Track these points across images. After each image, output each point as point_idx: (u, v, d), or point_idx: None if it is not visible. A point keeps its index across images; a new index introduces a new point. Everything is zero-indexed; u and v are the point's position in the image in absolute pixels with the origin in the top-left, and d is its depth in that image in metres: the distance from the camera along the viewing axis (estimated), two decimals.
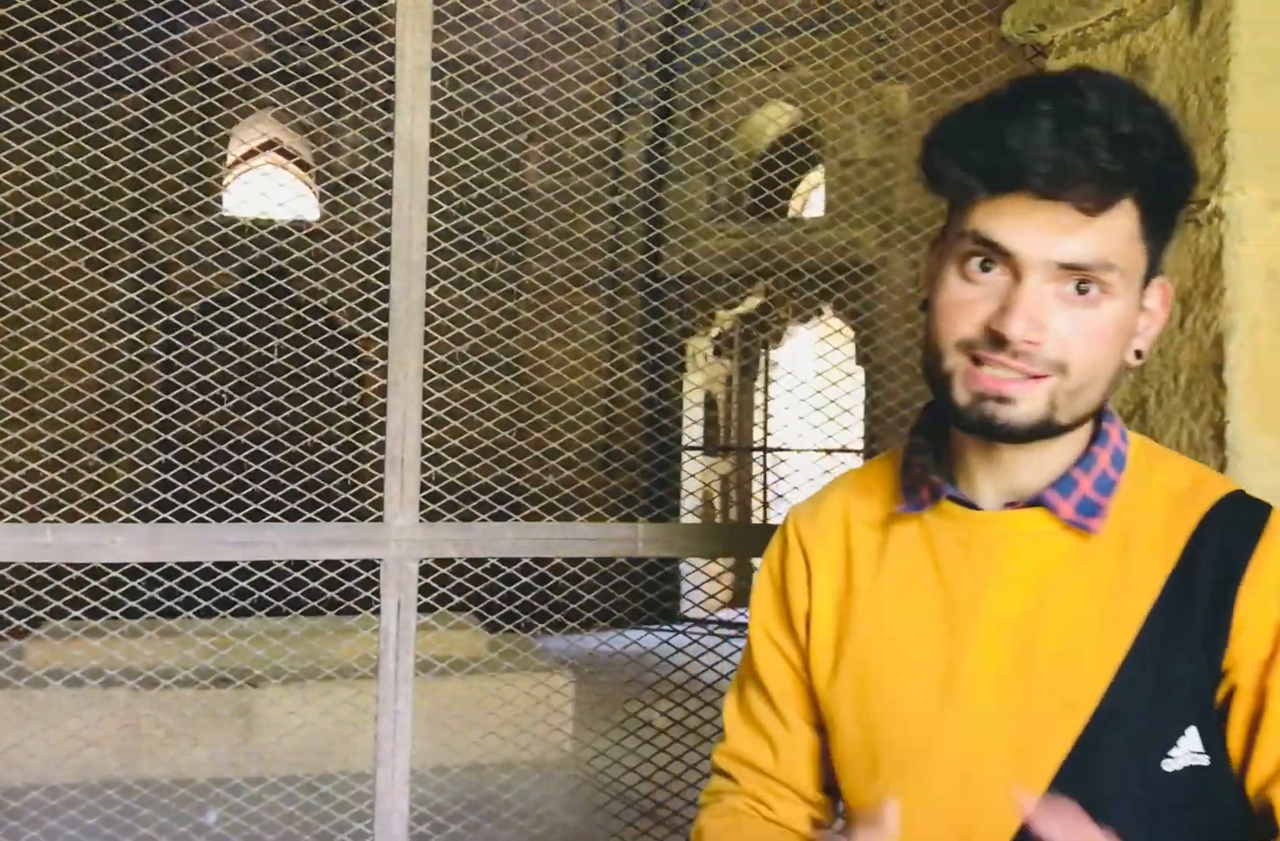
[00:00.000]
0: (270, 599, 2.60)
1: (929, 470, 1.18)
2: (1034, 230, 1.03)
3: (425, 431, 2.14)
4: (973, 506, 1.16)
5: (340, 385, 2.83)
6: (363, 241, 3.78)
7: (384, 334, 2.04)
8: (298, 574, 2.41)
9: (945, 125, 1.09)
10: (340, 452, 2.75)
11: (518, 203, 7.36)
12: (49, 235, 2.96)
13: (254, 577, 2.43)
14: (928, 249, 1.17)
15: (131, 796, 3.44)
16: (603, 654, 3.55)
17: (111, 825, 3.38)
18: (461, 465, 3.07)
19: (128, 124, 3.44)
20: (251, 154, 10.04)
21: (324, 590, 2.45)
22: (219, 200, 9.36)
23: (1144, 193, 1.05)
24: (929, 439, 1.21)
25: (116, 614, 2.65)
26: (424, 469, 2.08)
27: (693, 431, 10.31)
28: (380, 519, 2.08)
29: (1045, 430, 1.08)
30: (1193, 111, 1.57)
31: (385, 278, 2.05)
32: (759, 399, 10.61)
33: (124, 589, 2.63)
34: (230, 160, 9.70)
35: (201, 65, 5.83)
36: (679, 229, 8.89)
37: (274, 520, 2.28)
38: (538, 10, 3.67)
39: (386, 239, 2.04)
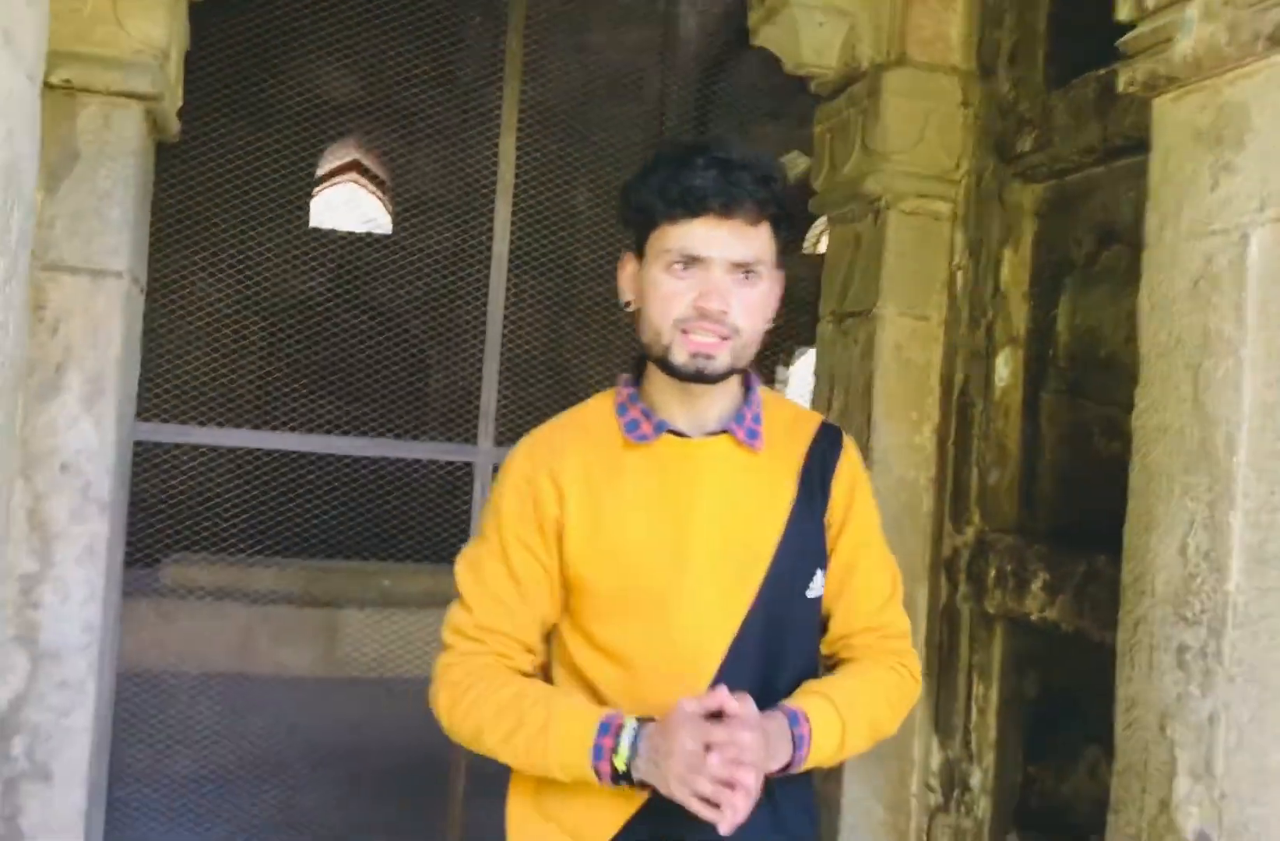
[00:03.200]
0: None
1: (649, 412, 1.55)
2: (718, 241, 1.44)
3: None
4: (682, 435, 1.55)
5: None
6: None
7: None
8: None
9: (642, 177, 1.49)
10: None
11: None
12: None
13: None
14: (619, 269, 1.56)
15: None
16: None
17: None
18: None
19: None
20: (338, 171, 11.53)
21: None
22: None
23: (776, 212, 1.48)
24: (636, 390, 1.59)
25: None
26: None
27: None
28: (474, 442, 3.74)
29: (729, 373, 1.51)
30: (871, 266, 3.24)
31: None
32: None
33: None
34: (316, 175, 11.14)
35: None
36: None
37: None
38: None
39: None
